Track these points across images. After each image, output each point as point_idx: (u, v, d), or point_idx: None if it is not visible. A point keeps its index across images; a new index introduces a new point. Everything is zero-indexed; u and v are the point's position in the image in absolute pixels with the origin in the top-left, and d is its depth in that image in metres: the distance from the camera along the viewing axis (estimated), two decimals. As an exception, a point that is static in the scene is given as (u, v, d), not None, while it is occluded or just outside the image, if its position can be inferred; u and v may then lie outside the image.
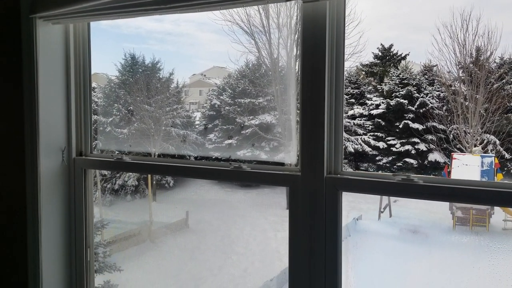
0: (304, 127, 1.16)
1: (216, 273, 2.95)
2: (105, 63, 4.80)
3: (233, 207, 3.80)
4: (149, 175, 4.10)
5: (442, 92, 4.35)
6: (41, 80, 1.22)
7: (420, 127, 3.94)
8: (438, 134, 3.94)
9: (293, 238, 1.32)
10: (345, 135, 4.08)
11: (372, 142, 3.84)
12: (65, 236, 1.43)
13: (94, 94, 4.38)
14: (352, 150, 3.85)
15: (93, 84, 5.39)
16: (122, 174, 4.18)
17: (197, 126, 4.67)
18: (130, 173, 4.23)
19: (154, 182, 4.12)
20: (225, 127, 4.45)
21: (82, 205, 1.44)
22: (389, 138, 3.90)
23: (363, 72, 4.59)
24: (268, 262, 3.11)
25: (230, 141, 4.52)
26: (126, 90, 4.26)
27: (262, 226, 3.52)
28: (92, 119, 1.35)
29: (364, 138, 3.92)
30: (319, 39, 1.13)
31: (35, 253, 1.34)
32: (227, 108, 4.35)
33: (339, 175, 1.21)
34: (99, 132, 4.25)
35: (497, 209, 2.34)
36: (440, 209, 2.38)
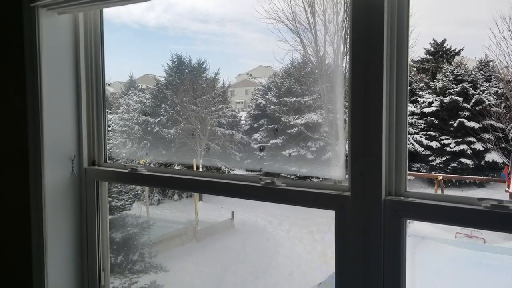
0: (355, 134, 0.88)
1: (260, 276, 2.87)
2: (154, 65, 4.86)
3: (279, 208, 3.72)
4: (195, 175, 4.09)
5: (500, 88, 4.05)
6: (45, 78, 1.04)
7: (476, 125, 3.68)
8: (496, 133, 3.66)
9: (342, 279, 1.06)
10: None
11: (425, 142, 3.63)
12: (76, 259, 1.20)
13: (143, 95, 4.44)
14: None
15: (143, 86, 5.48)
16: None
17: (242, 126, 4.63)
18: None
19: (200, 181, 4.12)
20: (270, 126, 4.37)
21: (94, 222, 1.20)
22: (442, 137, 3.67)
23: (415, 69, 4.37)
24: (315, 266, 3.00)
25: (275, 140, 4.45)
26: (173, 90, 4.28)
27: (309, 227, 3.42)
28: (107, 122, 1.15)
29: (416, 137, 3.71)
30: (374, 30, 0.86)
31: (41, 279, 1.14)
32: (273, 107, 4.28)
33: (402, 198, 0.94)
34: (147, 133, 4.29)
35: None
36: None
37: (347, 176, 0.92)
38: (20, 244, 1.15)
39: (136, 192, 3.41)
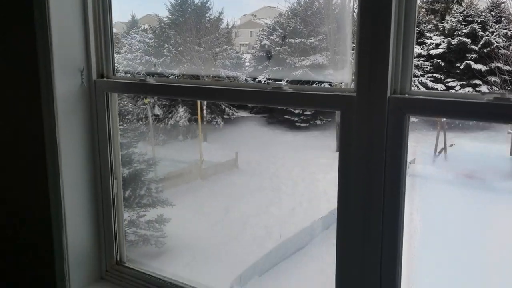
0: (362, 33, 0.90)
1: (264, 211, 2.98)
2: (156, 4, 4.74)
3: (282, 149, 3.77)
4: (199, 116, 4.12)
5: (510, 30, 3.97)
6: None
7: (483, 68, 3.62)
8: (503, 76, 3.62)
9: (344, 174, 1.13)
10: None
11: (430, 84, 3.60)
12: (89, 168, 1.27)
13: (146, 34, 4.38)
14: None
15: (145, 26, 5.38)
16: (174, 115, 4.23)
17: (246, 68, 4.59)
18: (181, 114, 4.27)
19: (205, 122, 4.15)
20: (275, 68, 4.34)
21: (106, 133, 1.25)
22: (448, 80, 3.64)
23: (423, 9, 4.26)
24: (316, 203, 3.09)
25: (280, 82, 4.41)
26: (176, 30, 4.21)
27: (311, 168, 3.48)
28: (114, 38, 1.17)
29: (421, 80, 3.68)
30: None
31: (56, 183, 1.23)
32: (277, 48, 4.22)
33: (407, 95, 0.98)
34: (151, 73, 4.27)
35: None
36: (498, 153, 2.23)
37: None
38: (35, 153, 1.21)
39: (141, 131, 3.46)
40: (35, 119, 1.17)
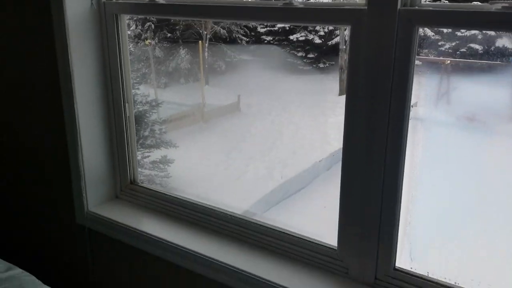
0: None
1: (265, 154, 3.03)
2: None
3: (284, 92, 3.76)
4: (201, 59, 4.08)
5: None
6: None
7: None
8: (511, 19, 3.53)
9: (352, 84, 1.23)
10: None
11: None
12: (101, 90, 1.35)
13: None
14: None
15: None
16: (175, 58, 4.19)
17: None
18: (183, 56, 4.23)
19: (206, 65, 4.12)
20: None
21: (116, 56, 1.32)
22: None
23: None
24: (318, 145, 3.13)
25: (282, 25, 4.34)
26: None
27: (313, 111, 3.49)
28: None
29: None
30: None
31: (70, 105, 1.28)
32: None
33: (417, 7, 1.02)
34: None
35: None
36: (502, 96, 2.24)
37: None
38: (47, 73, 1.26)
39: (143, 72, 3.45)
40: (47, 41, 1.21)
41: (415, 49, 1.12)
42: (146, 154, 2.82)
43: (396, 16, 1.06)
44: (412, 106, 2.89)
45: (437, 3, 1.12)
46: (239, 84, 3.89)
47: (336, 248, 1.61)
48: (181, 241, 1.72)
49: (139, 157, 3.14)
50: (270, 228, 1.80)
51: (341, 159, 1.63)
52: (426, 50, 3.60)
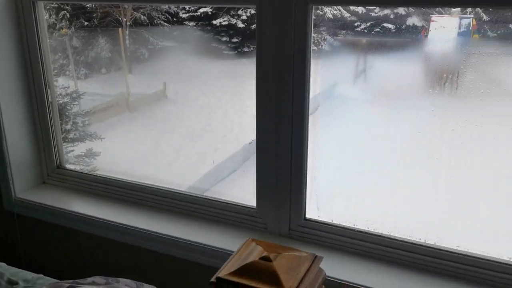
0: None
1: (196, 140, 3.04)
2: None
3: (211, 78, 3.77)
4: (122, 47, 3.97)
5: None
6: None
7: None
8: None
9: (261, 68, 1.39)
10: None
11: (352, 7, 3.70)
12: (21, 77, 1.36)
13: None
14: (331, 16, 3.73)
15: None
16: (94, 47, 4.04)
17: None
18: (102, 45, 4.08)
19: (128, 53, 4.01)
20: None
21: (35, 43, 1.36)
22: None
23: None
24: (246, 128, 3.20)
25: (205, 9, 4.31)
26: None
27: (240, 95, 3.55)
28: None
29: (343, 3, 3.76)
30: None
31: None
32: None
33: None
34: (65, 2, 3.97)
35: (471, 71, 2.39)
36: (413, 71, 2.41)
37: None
38: None
39: (61, 63, 3.29)
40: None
41: (311, 27, 1.30)
42: (70, 149, 2.73)
43: None
44: (333, 85, 3.01)
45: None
46: (164, 71, 3.84)
47: (255, 208, 1.90)
48: (109, 216, 1.82)
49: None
50: (195, 197, 2.00)
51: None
52: (344, 31, 3.76)
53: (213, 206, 2.01)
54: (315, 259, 1.31)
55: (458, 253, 1.69)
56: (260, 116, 1.68)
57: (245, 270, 1.23)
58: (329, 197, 2.05)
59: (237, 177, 2.77)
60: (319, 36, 2.75)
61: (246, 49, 4.48)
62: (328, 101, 2.39)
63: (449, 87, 2.18)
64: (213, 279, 1.26)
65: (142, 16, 4.25)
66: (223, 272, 1.26)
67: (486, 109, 1.97)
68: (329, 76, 2.76)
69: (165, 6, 4.53)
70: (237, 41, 4.44)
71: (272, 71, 1.47)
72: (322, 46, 2.64)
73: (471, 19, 2.51)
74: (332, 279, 1.66)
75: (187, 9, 4.31)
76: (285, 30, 1.30)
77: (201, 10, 4.21)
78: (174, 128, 3.21)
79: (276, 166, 1.81)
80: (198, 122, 3.23)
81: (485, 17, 2.91)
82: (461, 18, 2.57)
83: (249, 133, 3.49)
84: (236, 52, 4.60)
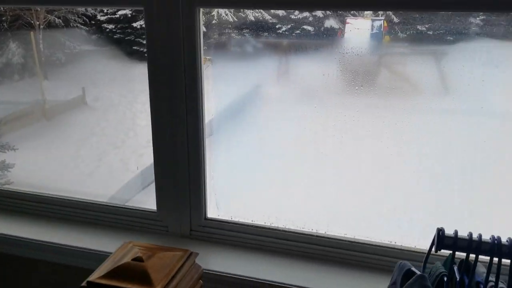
0: None
1: (119, 146, 2.95)
2: None
3: (133, 82, 3.68)
4: (35, 52, 3.76)
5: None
6: None
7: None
8: None
9: (153, 71, 1.43)
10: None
11: (272, 10, 3.77)
12: None
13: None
14: (253, 19, 3.78)
15: None
16: (5, 52, 3.79)
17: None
18: (14, 50, 3.84)
19: (43, 58, 3.80)
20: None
21: None
22: (288, 6, 3.86)
23: None
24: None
25: (124, 11, 4.20)
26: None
27: (165, 99, 3.49)
28: None
29: (263, 6, 3.83)
30: None
31: None
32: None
33: None
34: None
35: (383, 70, 2.53)
36: (332, 71, 2.51)
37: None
38: None
39: (-36, 70, 3.05)
40: None
41: (200, 28, 1.36)
42: (-21, 163, 2.53)
43: None
44: (257, 87, 3.05)
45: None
46: (83, 76, 3.68)
47: (156, 211, 1.95)
48: (26, 234, 1.78)
49: (-30, 166, 2.79)
50: (91, 203, 2.00)
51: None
52: (266, 33, 3.84)
53: (113, 212, 2.01)
54: (190, 256, 1.39)
55: (345, 240, 1.84)
56: (155, 118, 1.72)
57: (117, 272, 1.26)
58: (227, 196, 2.12)
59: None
60: (242, 38, 2.79)
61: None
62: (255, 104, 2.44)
63: (365, 85, 2.30)
64: (83, 283, 1.28)
65: (56, 19, 4.05)
66: (95, 276, 1.28)
67: (400, 105, 2.10)
68: (252, 76, 2.80)
69: (81, 9, 4.35)
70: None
71: (163, 74, 1.51)
72: (245, 47, 2.69)
73: (382, 21, 2.67)
74: (229, 275, 1.72)
75: (105, 11, 4.15)
76: (173, 32, 1.34)
77: (120, 12, 4.08)
78: (95, 135, 3.10)
79: (173, 167, 1.86)
80: (121, 127, 3.14)
81: (395, 19, 3.10)
82: (373, 20, 2.73)
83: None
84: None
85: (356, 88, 2.22)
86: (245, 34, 2.89)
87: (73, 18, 4.15)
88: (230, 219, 2.01)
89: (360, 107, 2.13)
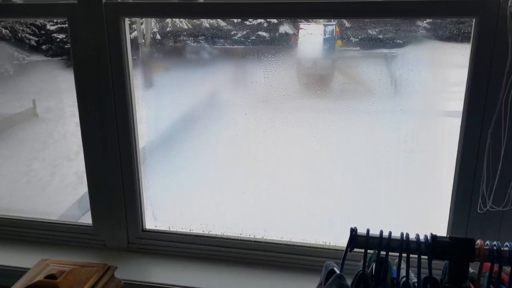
0: None
1: (73, 159, 2.86)
2: None
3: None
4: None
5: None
6: None
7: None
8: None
9: (79, 82, 1.44)
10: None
11: (195, 19, 3.77)
12: None
13: None
14: (208, 26, 3.78)
15: None
16: None
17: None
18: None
19: (-11, 71, 3.66)
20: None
21: None
22: (243, 13, 3.89)
23: None
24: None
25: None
26: None
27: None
28: None
29: None
30: None
31: None
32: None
33: (119, 0, 1.32)
34: None
35: (336, 73, 2.59)
36: (287, 76, 2.54)
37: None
38: None
39: None
40: None
41: (126, 37, 1.37)
42: None
43: (103, 9, 1.31)
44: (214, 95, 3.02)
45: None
46: (33, 88, 3.56)
47: (92, 225, 1.94)
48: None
49: None
50: (20, 220, 1.98)
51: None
52: (222, 40, 3.84)
53: (49, 229, 1.97)
54: (107, 270, 1.39)
55: (282, 244, 1.88)
56: (85, 129, 1.71)
57: (28, 291, 1.25)
58: (164, 206, 2.14)
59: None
60: (198, 45, 2.78)
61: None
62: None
63: (319, 89, 2.34)
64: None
65: (3, 30, 3.91)
66: (5, 296, 1.26)
67: (353, 107, 2.15)
68: (210, 83, 2.81)
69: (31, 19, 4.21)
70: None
71: (90, 83, 1.50)
72: (201, 54, 2.69)
73: (334, 26, 2.74)
74: (162, 285, 1.73)
75: (55, 21, 4.04)
76: (98, 43, 1.35)
77: (71, 21, 3.96)
78: (47, 148, 3.00)
79: (107, 180, 1.86)
80: (75, 139, 3.06)
81: (347, 24, 3.18)
82: (325, 25, 2.79)
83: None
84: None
85: (313, 91, 2.27)
86: (201, 41, 2.89)
87: (21, 28, 4.01)
88: (168, 229, 2.00)
89: (306, 110, 2.20)
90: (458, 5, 1.43)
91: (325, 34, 2.76)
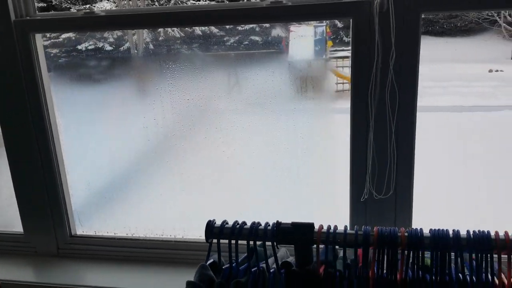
0: None
1: (69, 172, 2.88)
2: None
3: (83, 106, 3.62)
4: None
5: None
6: None
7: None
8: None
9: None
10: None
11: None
12: None
13: None
14: (200, 33, 3.81)
15: None
16: None
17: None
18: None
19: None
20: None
21: None
22: (235, 18, 3.92)
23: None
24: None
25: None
26: None
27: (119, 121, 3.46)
28: None
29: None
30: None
31: None
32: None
33: (29, 18, 1.38)
34: None
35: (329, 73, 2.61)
36: (279, 79, 2.57)
37: None
38: None
39: None
40: None
41: (36, 54, 1.48)
42: None
43: (12, 27, 1.40)
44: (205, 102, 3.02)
45: (48, 12, 1.49)
46: None
47: (23, 233, 2.01)
48: None
49: None
50: None
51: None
52: (216, 46, 3.87)
53: None
54: None
55: (201, 242, 1.95)
56: (6, 135, 1.83)
57: None
58: (89, 212, 2.25)
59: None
60: (192, 52, 2.82)
61: (117, 71, 4.38)
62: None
63: (311, 91, 2.36)
64: None
65: None
66: None
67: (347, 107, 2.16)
68: (204, 90, 2.84)
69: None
70: (107, 64, 4.32)
71: (5, 96, 1.65)
72: (195, 61, 2.75)
73: (325, 27, 2.77)
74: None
75: (48, 35, 4.09)
76: (10, 59, 1.48)
77: (64, 36, 4.02)
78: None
79: (32, 188, 1.97)
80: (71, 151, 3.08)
81: (339, 24, 3.20)
82: (315, 27, 2.82)
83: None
84: (107, 75, 4.47)
85: (301, 93, 2.29)
86: (194, 48, 2.94)
87: None
88: (95, 234, 2.10)
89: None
90: (334, 7, 1.56)
91: (315, 36, 2.78)
